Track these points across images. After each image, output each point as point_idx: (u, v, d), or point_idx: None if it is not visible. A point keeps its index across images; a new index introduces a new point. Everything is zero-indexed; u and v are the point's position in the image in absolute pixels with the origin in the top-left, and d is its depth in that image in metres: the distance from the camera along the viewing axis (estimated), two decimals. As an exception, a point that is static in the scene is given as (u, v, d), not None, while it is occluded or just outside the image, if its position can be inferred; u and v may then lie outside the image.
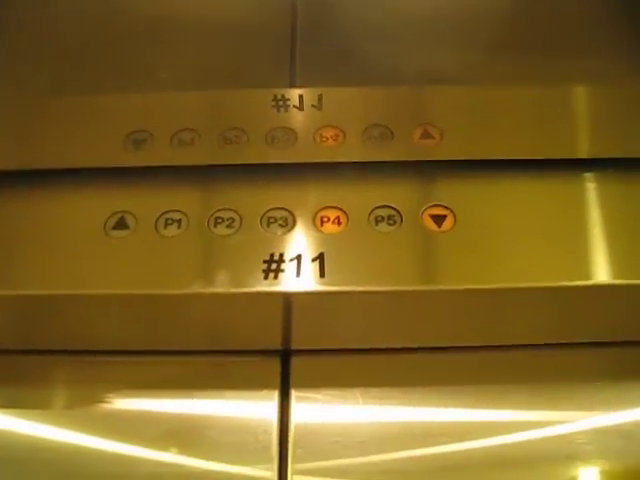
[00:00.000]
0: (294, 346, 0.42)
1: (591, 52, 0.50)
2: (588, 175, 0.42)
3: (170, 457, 0.40)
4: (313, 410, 0.41)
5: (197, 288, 0.39)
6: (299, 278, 0.39)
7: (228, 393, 0.42)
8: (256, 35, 0.50)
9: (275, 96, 0.45)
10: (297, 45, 0.50)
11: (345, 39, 0.51)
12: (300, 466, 0.39)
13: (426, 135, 0.43)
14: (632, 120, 0.45)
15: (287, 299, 0.39)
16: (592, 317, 0.42)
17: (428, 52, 0.50)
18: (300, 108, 0.44)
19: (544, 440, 0.41)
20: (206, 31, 0.51)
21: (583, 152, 0.44)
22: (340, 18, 0.52)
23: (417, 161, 0.42)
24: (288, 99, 0.45)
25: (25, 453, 0.41)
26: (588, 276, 0.39)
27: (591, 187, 0.42)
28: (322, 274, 0.39)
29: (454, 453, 0.40)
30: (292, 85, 0.48)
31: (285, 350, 0.43)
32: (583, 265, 0.39)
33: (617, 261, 0.40)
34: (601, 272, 0.39)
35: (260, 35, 0.51)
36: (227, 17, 0.52)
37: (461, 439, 0.40)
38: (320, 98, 0.45)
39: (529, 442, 0.41)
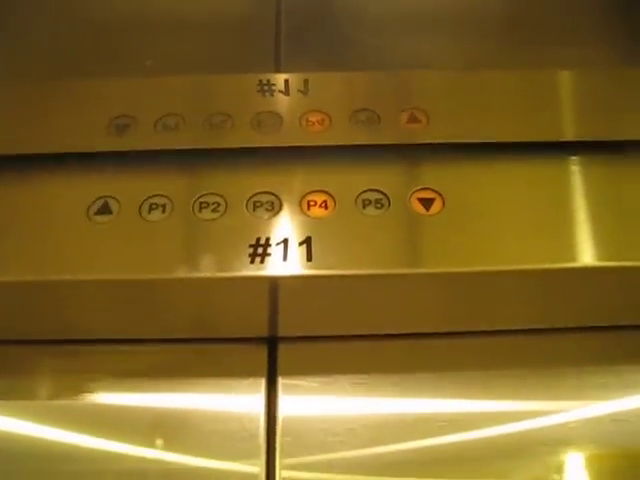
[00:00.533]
0: (281, 333, 0.42)
1: (577, 38, 0.50)
2: (574, 158, 0.42)
3: (155, 452, 0.39)
4: (301, 398, 0.41)
5: (182, 273, 0.38)
6: (286, 262, 0.38)
7: (214, 382, 0.41)
8: (240, 21, 0.50)
9: (260, 81, 0.44)
10: (282, 31, 0.50)
11: (330, 25, 0.51)
12: (289, 460, 0.39)
13: (413, 119, 0.43)
14: (617, 103, 0.45)
15: (274, 283, 0.39)
16: (580, 301, 0.41)
17: (413, 38, 0.50)
18: (286, 93, 0.44)
19: (536, 427, 0.40)
20: (190, 18, 0.51)
21: (569, 134, 0.43)
22: (325, 4, 0.52)
23: (404, 145, 0.42)
24: (273, 84, 0.44)
25: (3, 446, 0.40)
26: (574, 258, 0.39)
27: (577, 170, 0.42)
28: (309, 258, 0.38)
29: (445, 442, 0.40)
30: (277, 71, 0.47)
31: (272, 337, 0.42)
32: (569, 247, 0.39)
33: (603, 243, 0.39)
34: (587, 254, 0.39)
35: (244, 21, 0.51)
36: (211, 3, 0.52)
37: (452, 427, 0.40)
38: (306, 83, 0.44)
39: (521, 430, 0.40)
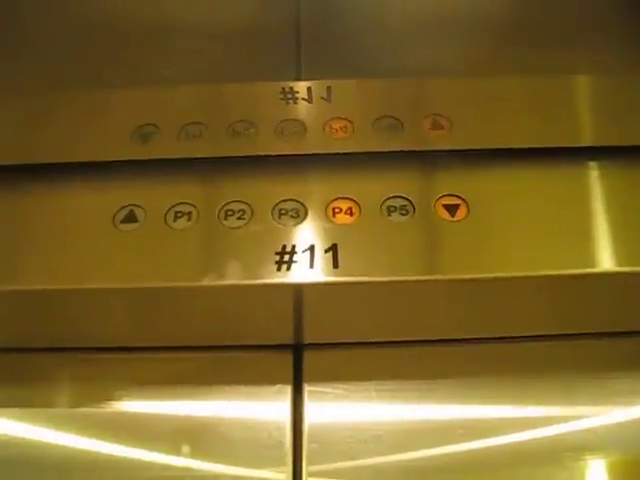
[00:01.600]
0: (307, 340, 0.42)
1: (591, 43, 0.50)
2: (593, 163, 0.42)
3: (180, 459, 0.39)
4: (326, 404, 0.41)
5: (208, 281, 0.38)
6: (312, 269, 0.38)
7: (240, 389, 0.41)
8: (260, 30, 0.50)
9: (283, 89, 0.45)
10: (301, 39, 0.50)
11: (348, 33, 0.51)
12: (315, 467, 0.39)
13: (436, 125, 0.43)
14: (635, 108, 0.45)
15: (300, 290, 0.39)
16: (602, 306, 0.42)
17: (430, 44, 0.50)
18: (309, 100, 0.44)
19: (559, 433, 0.40)
20: (210, 28, 0.51)
21: (588, 140, 0.44)
22: (343, 12, 0.53)
23: (427, 151, 0.42)
24: (297, 92, 0.44)
25: (26, 454, 0.40)
26: (595, 264, 0.39)
27: (596, 175, 0.42)
28: (335, 265, 0.38)
29: (469, 449, 0.40)
30: (298, 78, 0.47)
31: (297, 344, 0.42)
32: (590, 253, 0.39)
33: (623, 249, 0.40)
34: (607, 260, 0.39)
35: (264, 30, 0.50)
36: (231, 14, 0.52)
37: (477, 434, 0.40)
38: (329, 90, 0.44)
39: (544, 436, 0.40)
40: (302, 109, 0.44)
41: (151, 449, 0.39)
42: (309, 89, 0.45)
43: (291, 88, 0.45)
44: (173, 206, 0.40)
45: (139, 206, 0.40)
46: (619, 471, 0.40)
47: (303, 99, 0.44)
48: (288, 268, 0.38)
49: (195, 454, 0.39)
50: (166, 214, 0.40)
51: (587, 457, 0.39)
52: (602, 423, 0.41)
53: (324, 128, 0.43)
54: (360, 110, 0.44)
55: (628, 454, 0.40)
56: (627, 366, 0.42)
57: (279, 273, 0.38)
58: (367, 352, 0.42)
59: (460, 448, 0.40)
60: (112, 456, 0.39)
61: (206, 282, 0.38)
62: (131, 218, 0.40)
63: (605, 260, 0.39)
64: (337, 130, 0.43)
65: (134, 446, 0.39)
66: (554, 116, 0.44)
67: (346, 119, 0.43)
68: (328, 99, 0.44)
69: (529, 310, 0.41)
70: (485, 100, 0.45)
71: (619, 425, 0.40)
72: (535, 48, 0.50)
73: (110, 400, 0.41)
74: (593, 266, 0.39)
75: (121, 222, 0.40)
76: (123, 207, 0.40)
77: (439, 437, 0.40)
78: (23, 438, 0.40)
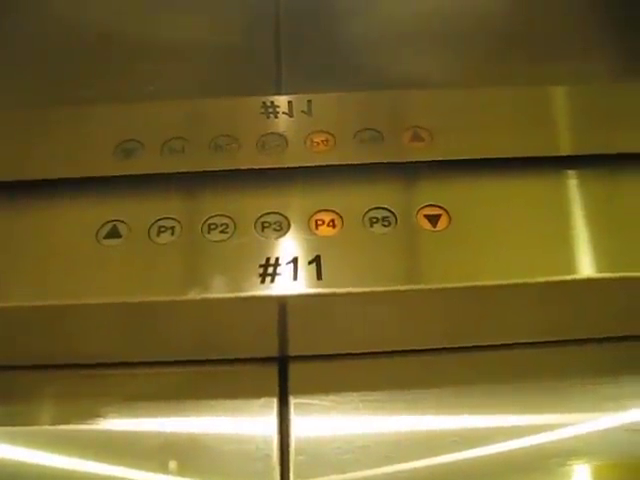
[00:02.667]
0: (292, 352, 0.42)
1: (574, 53, 0.51)
2: (573, 172, 0.43)
3: (166, 475, 0.39)
4: (313, 416, 0.41)
5: (193, 294, 0.38)
6: (296, 281, 0.38)
7: (225, 403, 0.41)
8: (241, 45, 0.51)
9: (264, 103, 0.45)
10: (281, 52, 0.51)
11: (328, 47, 0.51)
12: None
13: (416, 137, 0.44)
14: (614, 117, 0.46)
15: (284, 302, 0.39)
16: (584, 312, 0.42)
17: (412, 57, 0.51)
18: (290, 114, 0.45)
19: (548, 440, 0.40)
20: (191, 44, 0.51)
21: (567, 149, 0.44)
22: (323, 26, 0.53)
23: (408, 163, 0.43)
24: (277, 106, 0.45)
25: (9, 473, 0.40)
26: (576, 271, 0.40)
27: (576, 183, 0.43)
28: (319, 276, 0.39)
29: (458, 458, 0.40)
30: (278, 92, 0.48)
31: (282, 357, 0.42)
32: (570, 260, 0.40)
33: (603, 255, 0.40)
34: (588, 266, 0.40)
35: (244, 46, 0.51)
36: (211, 29, 0.52)
37: (464, 443, 0.40)
38: (309, 104, 0.45)
39: (533, 443, 0.40)
40: (283, 123, 0.44)
41: (137, 465, 0.39)
42: (290, 103, 0.45)
43: (272, 102, 0.45)
44: (156, 221, 0.40)
45: (122, 221, 0.40)
46: (608, 476, 0.40)
47: (284, 113, 0.45)
48: (272, 280, 0.38)
49: (182, 469, 0.39)
50: (149, 229, 0.40)
51: (576, 463, 0.39)
52: (591, 429, 0.41)
53: (305, 141, 0.43)
54: (341, 123, 0.44)
55: (617, 459, 0.40)
56: (614, 371, 0.43)
57: (263, 285, 0.38)
58: (353, 363, 0.42)
59: (449, 457, 0.40)
60: (97, 474, 0.39)
61: (190, 296, 0.38)
62: (114, 233, 0.40)
63: (587, 267, 0.40)
64: (318, 143, 0.43)
65: (119, 463, 0.39)
66: (533, 126, 0.45)
67: (327, 132, 0.44)
68: (309, 113, 0.45)
69: (513, 318, 0.42)
70: (465, 111, 0.45)
71: (608, 430, 0.41)
72: (515, 60, 0.51)
73: (94, 417, 0.41)
74: (575, 273, 0.40)
75: (104, 237, 0.40)
76: (106, 222, 0.40)
77: (427, 447, 0.40)
78: (5, 457, 0.40)
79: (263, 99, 0.45)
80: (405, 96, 0.46)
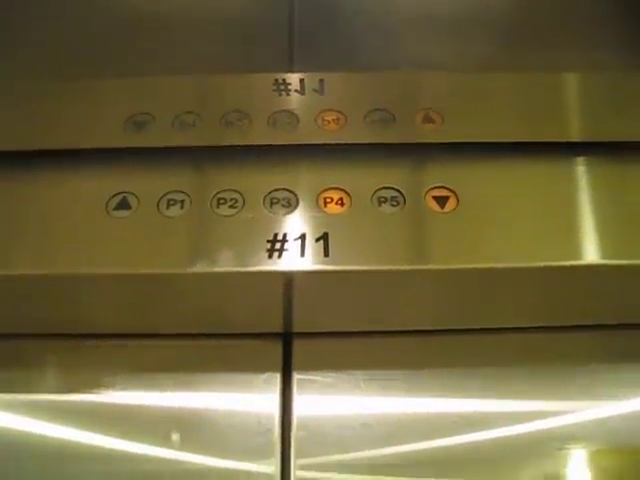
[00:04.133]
0: (296, 328, 0.42)
1: (583, 41, 0.51)
2: (581, 158, 0.43)
3: (169, 451, 0.39)
4: (315, 393, 0.41)
5: (200, 268, 0.39)
6: (303, 258, 0.39)
7: (229, 377, 0.41)
8: (254, 21, 0.51)
9: (276, 80, 0.45)
10: (295, 31, 0.51)
11: (342, 25, 0.51)
12: (303, 459, 0.39)
13: (427, 119, 0.44)
14: (622, 105, 0.46)
15: (290, 278, 0.39)
16: (588, 299, 0.42)
17: (424, 39, 0.51)
18: (301, 92, 0.45)
19: (548, 424, 0.41)
20: (204, 20, 0.52)
21: (576, 135, 0.44)
22: (337, 6, 0.53)
23: (419, 144, 0.43)
24: (289, 83, 0.45)
25: (11, 442, 0.40)
26: (581, 256, 0.40)
27: (584, 169, 0.43)
28: (326, 254, 0.39)
29: (459, 440, 0.40)
30: (290, 70, 0.48)
31: (287, 333, 0.42)
32: (576, 245, 0.40)
33: (608, 241, 0.40)
34: (593, 252, 0.40)
35: (258, 21, 0.51)
36: (225, 6, 0.52)
37: (465, 425, 0.40)
38: (321, 82, 0.45)
39: (533, 427, 0.40)
40: (295, 100, 0.44)
41: (138, 438, 0.39)
42: (302, 81, 0.45)
43: (284, 80, 0.45)
44: (166, 194, 0.41)
45: (132, 193, 0.41)
46: (604, 462, 0.40)
47: (296, 91, 0.45)
48: (279, 256, 0.39)
49: (183, 442, 0.40)
50: (159, 202, 0.40)
51: (573, 448, 0.40)
52: (589, 415, 0.41)
53: (316, 120, 0.43)
54: (352, 102, 0.44)
55: (613, 445, 0.40)
56: (614, 358, 0.43)
57: (270, 261, 0.39)
58: (356, 341, 0.42)
59: (449, 438, 0.40)
60: (99, 446, 0.39)
61: (197, 269, 0.39)
62: (124, 205, 0.40)
63: (592, 253, 0.40)
64: (329, 122, 0.43)
65: (121, 435, 0.39)
66: (543, 112, 0.45)
67: (338, 111, 0.44)
68: (321, 91, 0.45)
69: (517, 301, 0.42)
70: (476, 95, 0.45)
71: (607, 417, 0.41)
72: (527, 46, 0.51)
73: (97, 388, 0.41)
74: (580, 258, 0.40)
75: (114, 209, 0.40)
76: (116, 194, 0.41)
77: (428, 427, 0.40)
78: (8, 426, 0.40)
79: (275, 76, 0.45)
80: (417, 77, 0.46)
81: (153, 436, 0.40)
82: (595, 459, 0.40)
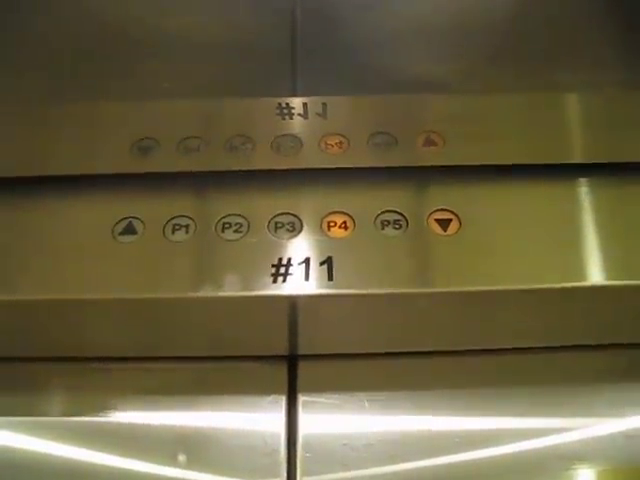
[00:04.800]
0: (301, 351, 0.43)
1: (584, 62, 0.51)
2: (583, 179, 0.43)
3: (175, 469, 0.39)
4: (320, 414, 0.41)
5: (205, 292, 0.39)
6: (307, 282, 0.39)
7: (235, 399, 0.42)
8: (256, 44, 0.51)
9: (279, 104, 0.45)
10: (297, 54, 0.51)
11: (344, 50, 0.52)
12: (308, 477, 0.39)
13: (429, 142, 0.44)
14: (624, 125, 0.46)
15: (295, 302, 0.40)
16: (591, 319, 0.42)
17: (426, 62, 0.51)
18: (304, 116, 0.45)
19: (550, 443, 0.41)
20: (207, 43, 0.52)
21: (578, 156, 0.45)
22: (339, 29, 0.54)
23: (421, 167, 0.43)
24: (292, 107, 0.45)
25: (19, 464, 0.40)
26: (584, 278, 0.40)
27: (586, 191, 0.43)
28: (330, 277, 0.39)
29: (462, 459, 0.40)
30: (293, 94, 0.48)
31: (292, 355, 0.43)
32: (579, 267, 0.40)
33: (612, 263, 0.40)
34: (597, 274, 0.40)
35: (261, 46, 0.51)
36: (228, 29, 0.53)
37: (468, 444, 0.40)
38: (324, 106, 0.45)
39: (536, 446, 0.41)
40: (298, 124, 0.45)
41: (146, 459, 0.40)
42: (305, 105, 0.45)
43: (287, 104, 0.45)
44: (171, 219, 0.41)
45: (138, 218, 0.41)
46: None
47: (299, 115, 0.45)
48: (284, 280, 0.39)
49: (190, 464, 0.40)
50: (164, 226, 0.41)
51: (576, 467, 0.40)
52: (592, 434, 0.41)
53: (319, 144, 0.44)
54: (355, 126, 0.45)
55: (616, 464, 0.41)
56: (617, 378, 0.43)
57: (275, 285, 0.39)
58: (360, 363, 0.43)
59: (452, 458, 0.40)
60: (107, 466, 0.40)
61: (203, 293, 0.39)
62: (130, 230, 0.41)
63: (593, 274, 0.40)
64: (332, 146, 0.44)
65: (129, 456, 0.40)
66: (545, 133, 0.45)
67: (341, 135, 0.44)
68: (323, 115, 0.45)
69: (520, 323, 0.42)
70: (477, 117, 0.46)
71: (609, 436, 0.41)
72: (527, 66, 0.51)
73: (105, 410, 0.41)
74: (582, 280, 0.40)
75: (120, 234, 0.41)
76: (122, 219, 0.41)
77: (431, 447, 0.40)
78: (16, 448, 0.41)
79: (278, 100, 0.46)
80: (419, 100, 0.46)
81: (160, 457, 0.40)
82: (597, 478, 0.40)
